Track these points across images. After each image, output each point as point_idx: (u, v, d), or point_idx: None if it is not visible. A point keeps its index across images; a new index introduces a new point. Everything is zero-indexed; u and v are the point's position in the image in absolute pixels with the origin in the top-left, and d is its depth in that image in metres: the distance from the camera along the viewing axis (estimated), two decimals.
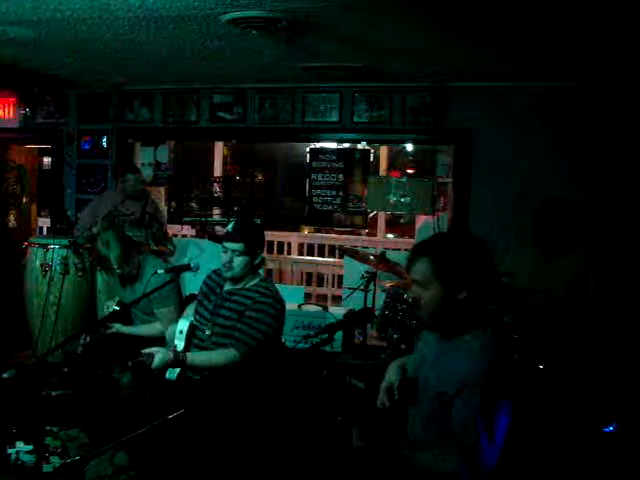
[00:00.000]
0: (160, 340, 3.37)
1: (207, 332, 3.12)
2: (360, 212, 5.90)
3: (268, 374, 3.07)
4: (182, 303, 3.75)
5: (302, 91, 5.35)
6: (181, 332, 3.16)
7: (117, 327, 3.64)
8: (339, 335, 4.72)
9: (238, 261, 3.09)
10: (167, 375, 2.98)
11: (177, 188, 6.35)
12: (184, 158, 7.11)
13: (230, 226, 3.16)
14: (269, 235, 7.54)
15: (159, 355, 2.89)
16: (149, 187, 5.87)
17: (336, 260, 7.63)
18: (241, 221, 3.25)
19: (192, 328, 3.19)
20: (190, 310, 3.42)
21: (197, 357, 3.02)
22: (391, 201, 5.51)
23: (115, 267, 3.69)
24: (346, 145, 5.83)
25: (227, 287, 3.21)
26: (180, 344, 3.13)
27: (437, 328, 2.14)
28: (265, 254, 7.04)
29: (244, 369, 2.96)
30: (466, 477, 1.90)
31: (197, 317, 3.23)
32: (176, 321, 3.33)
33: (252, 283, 3.16)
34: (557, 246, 3.67)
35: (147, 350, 2.92)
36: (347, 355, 4.84)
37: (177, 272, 3.38)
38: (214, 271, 3.35)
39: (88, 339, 3.50)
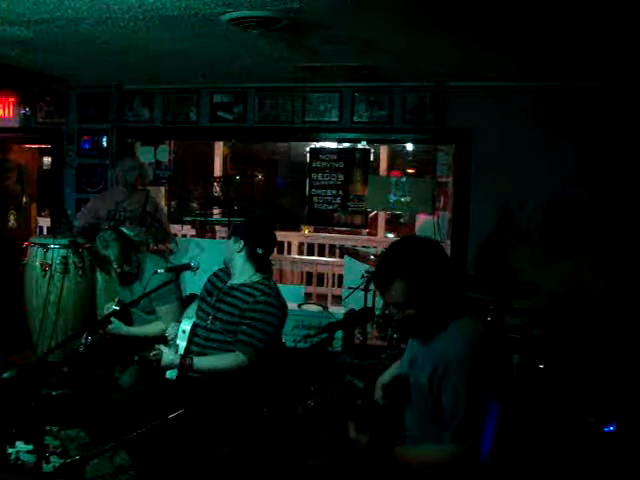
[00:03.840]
0: (162, 339, 3.35)
1: (208, 325, 3.13)
2: (360, 212, 5.89)
3: (268, 373, 3.07)
4: (182, 302, 3.75)
5: (302, 91, 5.34)
6: (184, 332, 3.16)
7: (117, 324, 3.63)
8: (339, 335, 4.72)
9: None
10: (167, 374, 2.99)
11: (177, 188, 6.34)
12: (184, 158, 7.11)
13: None
14: None
15: (168, 355, 2.94)
16: (149, 187, 5.87)
17: (336, 260, 7.63)
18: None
19: (194, 328, 3.19)
20: (192, 310, 3.42)
21: (204, 362, 3.01)
22: (391, 201, 5.52)
23: (115, 266, 3.68)
24: (346, 145, 5.81)
25: (229, 282, 3.22)
26: (182, 344, 3.13)
27: (418, 336, 2.20)
28: None
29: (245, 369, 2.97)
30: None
31: (199, 313, 3.23)
32: (178, 319, 3.33)
33: (254, 279, 3.17)
34: (561, 245, 3.72)
35: (158, 347, 2.95)
36: (347, 355, 4.83)
37: (177, 271, 3.38)
38: (219, 269, 3.37)
39: (90, 338, 3.50)
